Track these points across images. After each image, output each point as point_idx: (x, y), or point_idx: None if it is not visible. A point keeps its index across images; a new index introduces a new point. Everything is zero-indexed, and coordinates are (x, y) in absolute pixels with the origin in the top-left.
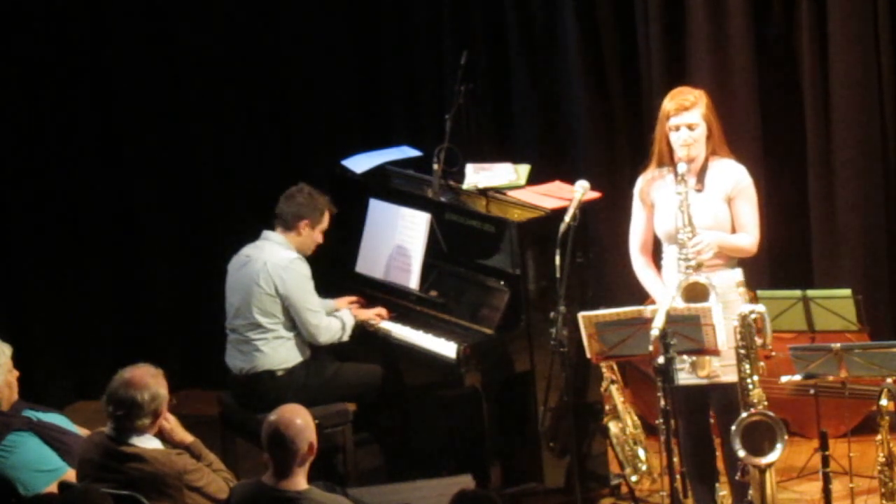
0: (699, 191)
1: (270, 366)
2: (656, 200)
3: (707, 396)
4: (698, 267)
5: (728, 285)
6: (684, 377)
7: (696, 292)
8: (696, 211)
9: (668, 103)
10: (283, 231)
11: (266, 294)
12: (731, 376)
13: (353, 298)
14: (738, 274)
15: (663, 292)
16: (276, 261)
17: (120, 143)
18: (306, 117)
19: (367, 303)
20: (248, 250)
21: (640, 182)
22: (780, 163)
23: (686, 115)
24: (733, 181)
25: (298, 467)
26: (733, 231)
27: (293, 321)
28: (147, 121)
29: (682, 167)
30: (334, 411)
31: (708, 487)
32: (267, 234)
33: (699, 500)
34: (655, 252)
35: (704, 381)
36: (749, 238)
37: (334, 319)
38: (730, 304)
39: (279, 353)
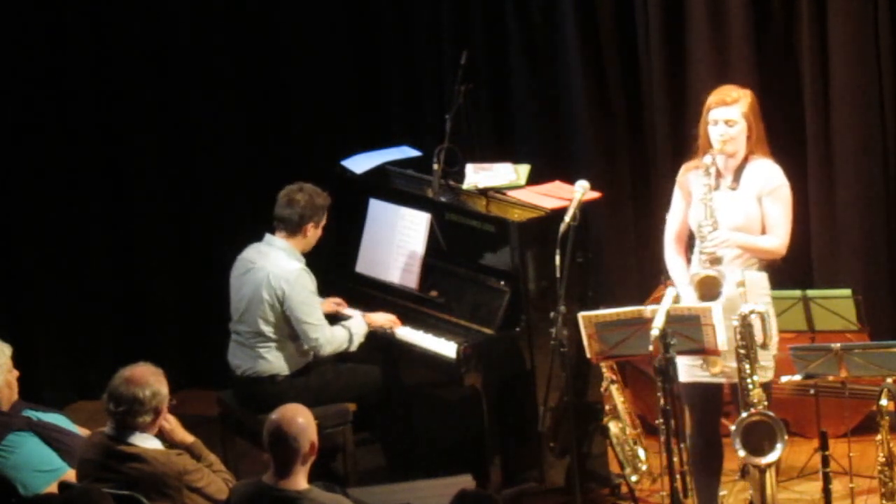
0: (734, 189)
1: (272, 371)
2: (693, 192)
3: (721, 393)
4: (716, 262)
5: (756, 285)
6: (700, 374)
7: (709, 286)
8: (728, 209)
9: (711, 97)
10: (288, 236)
11: (269, 304)
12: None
13: (338, 300)
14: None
15: (685, 283)
16: (279, 272)
17: (120, 143)
18: (306, 117)
19: (350, 303)
20: (252, 255)
21: (682, 171)
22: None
23: (725, 110)
24: (765, 179)
25: (300, 467)
26: (763, 231)
27: (296, 331)
28: (147, 121)
29: (707, 158)
30: (334, 411)
31: (711, 487)
32: (271, 239)
33: (702, 499)
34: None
35: (723, 380)
36: (774, 240)
37: (339, 330)
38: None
39: (281, 361)
